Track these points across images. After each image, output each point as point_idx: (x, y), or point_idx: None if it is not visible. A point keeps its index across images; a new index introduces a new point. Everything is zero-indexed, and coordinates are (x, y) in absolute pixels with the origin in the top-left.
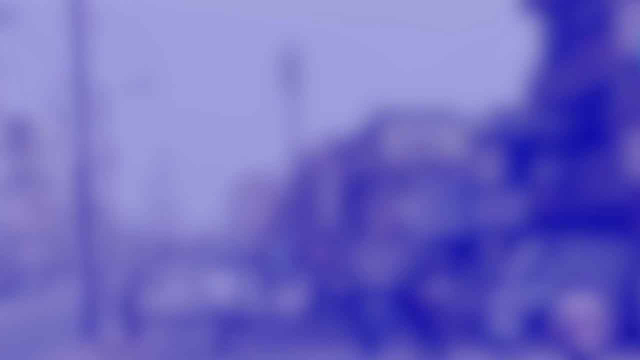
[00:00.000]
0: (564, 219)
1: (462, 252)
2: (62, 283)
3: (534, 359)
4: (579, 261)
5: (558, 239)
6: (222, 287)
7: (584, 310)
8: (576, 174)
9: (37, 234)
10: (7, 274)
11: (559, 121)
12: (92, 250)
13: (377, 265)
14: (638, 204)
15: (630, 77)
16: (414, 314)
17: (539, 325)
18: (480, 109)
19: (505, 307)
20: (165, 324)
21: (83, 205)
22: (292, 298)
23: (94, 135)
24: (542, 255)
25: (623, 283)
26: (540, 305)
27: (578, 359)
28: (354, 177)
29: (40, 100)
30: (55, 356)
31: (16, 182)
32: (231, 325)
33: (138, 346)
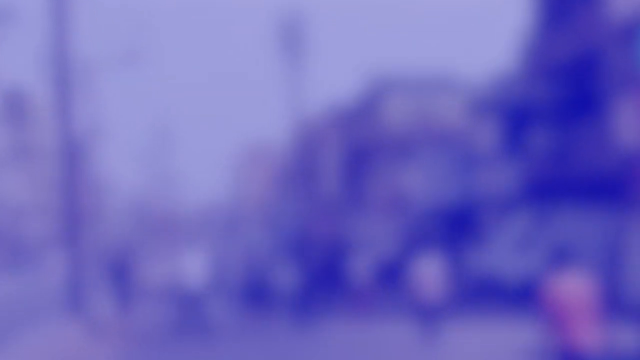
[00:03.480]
0: (557, 187)
1: (458, 220)
2: (60, 256)
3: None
4: (569, 230)
5: (550, 207)
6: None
7: (429, 270)
8: (568, 142)
9: (35, 207)
10: (6, 247)
11: (552, 90)
12: (84, 224)
13: (376, 235)
14: (628, 173)
15: (623, 45)
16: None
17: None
18: (478, 77)
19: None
20: (165, 298)
21: (78, 179)
22: (293, 271)
23: (92, 108)
24: (534, 224)
25: (609, 252)
26: (532, 273)
27: (426, 313)
28: (355, 146)
29: (36, 74)
30: (43, 329)
31: (13, 156)
32: (230, 299)
33: (128, 320)
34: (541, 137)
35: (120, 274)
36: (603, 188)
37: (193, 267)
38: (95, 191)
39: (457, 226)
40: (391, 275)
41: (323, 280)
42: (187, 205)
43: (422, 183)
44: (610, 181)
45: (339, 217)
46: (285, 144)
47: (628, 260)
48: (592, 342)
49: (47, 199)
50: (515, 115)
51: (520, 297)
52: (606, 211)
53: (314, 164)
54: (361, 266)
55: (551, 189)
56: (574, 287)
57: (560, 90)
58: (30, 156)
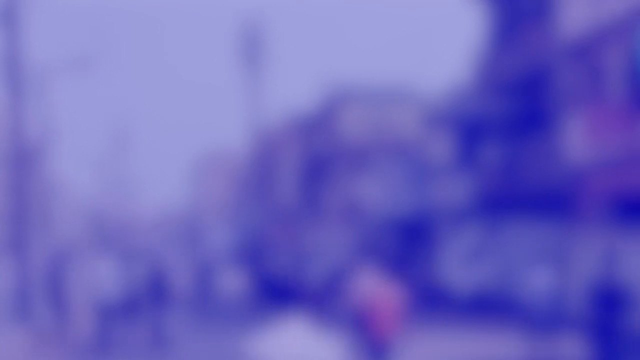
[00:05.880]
0: (507, 200)
1: (410, 231)
2: (8, 261)
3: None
4: (518, 242)
5: (500, 220)
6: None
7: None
8: (519, 156)
9: None
10: None
11: (504, 105)
12: (34, 229)
13: (330, 243)
14: (576, 187)
15: (573, 62)
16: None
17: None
18: (433, 90)
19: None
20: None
21: (30, 184)
22: (247, 277)
23: (45, 112)
24: (484, 236)
25: (556, 264)
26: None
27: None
28: (312, 155)
29: None
30: None
31: None
32: (174, 307)
33: (65, 330)
34: (492, 150)
35: (59, 282)
36: (551, 202)
37: (108, 277)
38: (47, 196)
39: (409, 236)
40: (342, 283)
41: (277, 286)
42: (143, 212)
43: (376, 193)
44: (559, 195)
45: (294, 224)
46: (243, 152)
47: (574, 272)
48: (393, 338)
49: (4, 204)
50: (467, 128)
51: (469, 308)
52: (554, 224)
53: (271, 172)
54: (315, 273)
55: (501, 201)
56: (375, 290)
57: (511, 105)
58: None
